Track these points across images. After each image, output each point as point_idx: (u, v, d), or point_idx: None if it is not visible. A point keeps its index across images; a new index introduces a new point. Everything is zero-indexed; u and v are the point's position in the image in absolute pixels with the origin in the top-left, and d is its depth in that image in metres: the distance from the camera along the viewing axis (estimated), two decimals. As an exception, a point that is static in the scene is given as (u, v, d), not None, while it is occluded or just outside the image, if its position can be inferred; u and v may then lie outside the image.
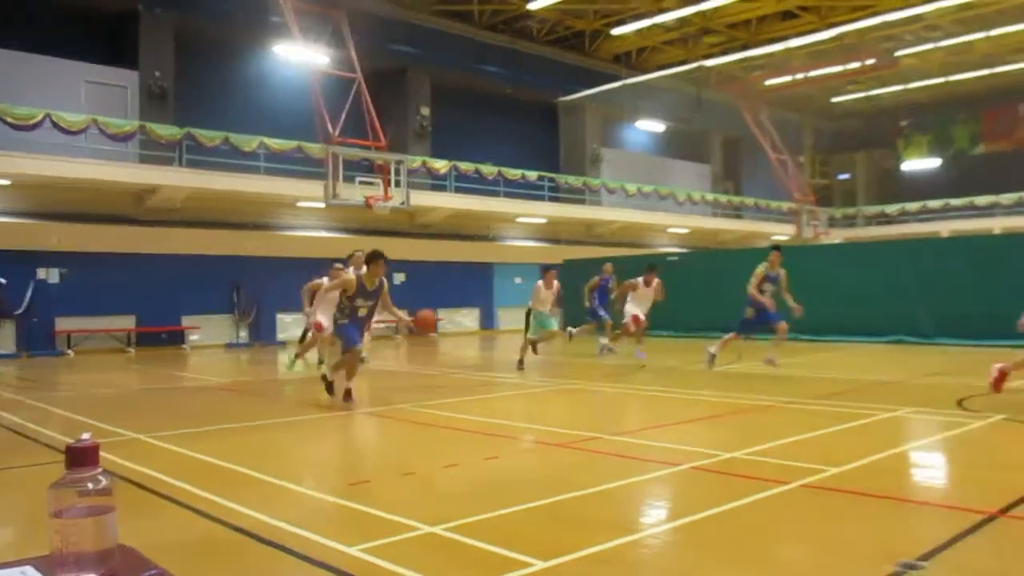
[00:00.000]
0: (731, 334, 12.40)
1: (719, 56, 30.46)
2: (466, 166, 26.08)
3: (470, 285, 27.50)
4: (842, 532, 4.29)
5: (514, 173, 27.23)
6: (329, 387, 9.49)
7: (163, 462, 6.23)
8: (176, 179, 20.12)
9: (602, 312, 16.10)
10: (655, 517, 4.81)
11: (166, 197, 20.28)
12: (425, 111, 27.78)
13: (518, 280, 29.05)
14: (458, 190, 26.31)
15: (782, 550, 4.08)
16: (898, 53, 30.93)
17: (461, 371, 14.48)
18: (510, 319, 28.45)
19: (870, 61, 30.49)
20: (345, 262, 13.66)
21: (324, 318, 12.14)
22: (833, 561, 3.84)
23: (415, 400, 9.72)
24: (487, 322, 28.17)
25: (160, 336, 20.87)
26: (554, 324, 14.03)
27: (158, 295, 20.50)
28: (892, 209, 38.47)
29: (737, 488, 5.13)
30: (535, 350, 14.43)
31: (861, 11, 27.27)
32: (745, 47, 30.00)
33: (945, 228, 33.71)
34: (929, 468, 6.11)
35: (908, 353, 15.02)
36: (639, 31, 29.43)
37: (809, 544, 4.15)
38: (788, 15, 28.82)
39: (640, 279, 14.04)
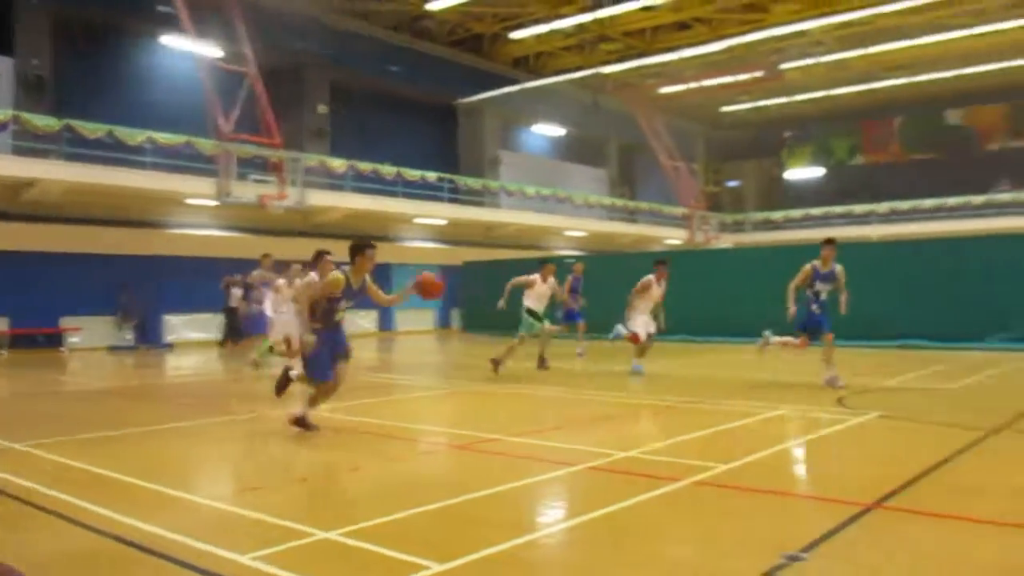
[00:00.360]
0: (799, 339, 10.54)
1: (616, 63, 31.12)
2: (364, 166, 25.76)
3: (368, 286, 27.16)
4: (731, 527, 4.44)
5: (413, 174, 27.07)
6: (283, 384, 9.01)
7: (41, 472, 5.90)
8: (54, 172, 19.03)
9: (577, 315, 15.85)
10: (551, 517, 4.86)
11: (44, 191, 19.19)
12: (323, 109, 27.30)
13: (417, 281, 28.82)
14: (356, 190, 25.95)
15: (673, 547, 4.19)
16: (784, 66, 32.29)
17: (363, 373, 14.26)
18: (409, 321, 28.29)
19: (758, 73, 31.72)
20: (272, 264, 13.29)
21: (292, 332, 10.33)
22: (722, 555, 3.97)
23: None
24: (385, 324, 27.89)
25: (36, 339, 19.76)
26: (547, 322, 12.97)
27: (34, 295, 19.37)
28: (777, 216, 40.14)
29: (631, 487, 5.24)
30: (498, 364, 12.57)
31: (750, 24, 28.39)
32: (641, 55, 30.76)
33: (827, 235, 35.35)
34: (811, 463, 6.39)
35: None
36: (538, 36, 29.79)
37: (699, 540, 4.28)
38: (682, 26, 29.72)
39: (651, 276, 12.20)
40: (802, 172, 43.43)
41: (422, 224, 28.42)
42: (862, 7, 26.16)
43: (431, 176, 27.94)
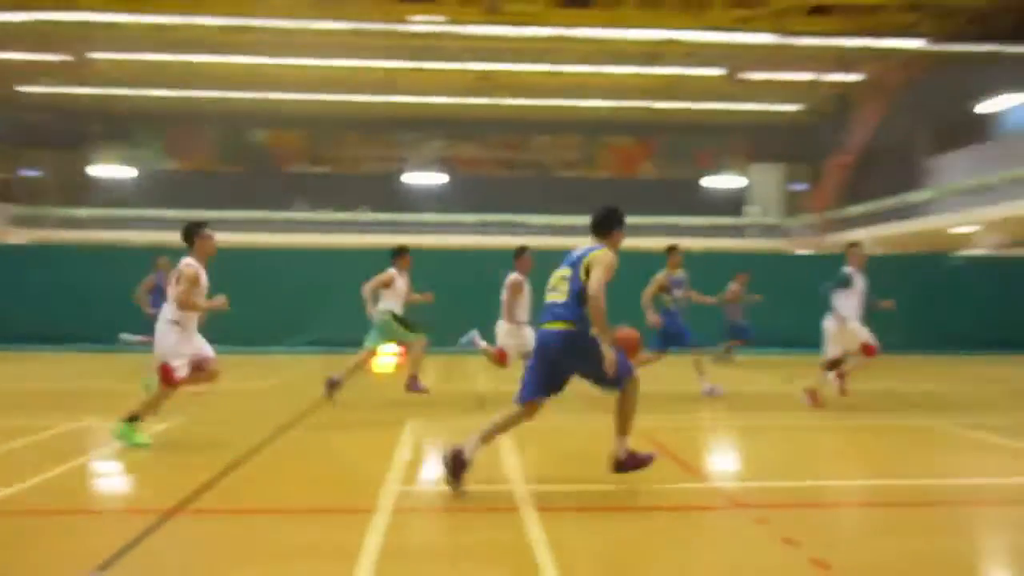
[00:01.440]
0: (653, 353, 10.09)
1: None
2: None
3: None
4: (24, 553, 3.99)
5: None
6: None
7: None
8: None
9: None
10: None
11: None
12: None
13: None
14: None
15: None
16: (93, 55, 30.69)
17: None
18: None
19: (66, 57, 29.65)
20: None
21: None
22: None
23: None
24: None
25: None
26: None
27: None
28: (83, 214, 37.69)
29: None
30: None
31: (61, 4, 26.01)
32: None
33: (136, 237, 34.41)
34: (109, 476, 6.07)
35: (108, 362, 14.87)
36: None
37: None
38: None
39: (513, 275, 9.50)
40: (113, 170, 41.53)
41: None
42: (174, 11, 26.41)
43: None
